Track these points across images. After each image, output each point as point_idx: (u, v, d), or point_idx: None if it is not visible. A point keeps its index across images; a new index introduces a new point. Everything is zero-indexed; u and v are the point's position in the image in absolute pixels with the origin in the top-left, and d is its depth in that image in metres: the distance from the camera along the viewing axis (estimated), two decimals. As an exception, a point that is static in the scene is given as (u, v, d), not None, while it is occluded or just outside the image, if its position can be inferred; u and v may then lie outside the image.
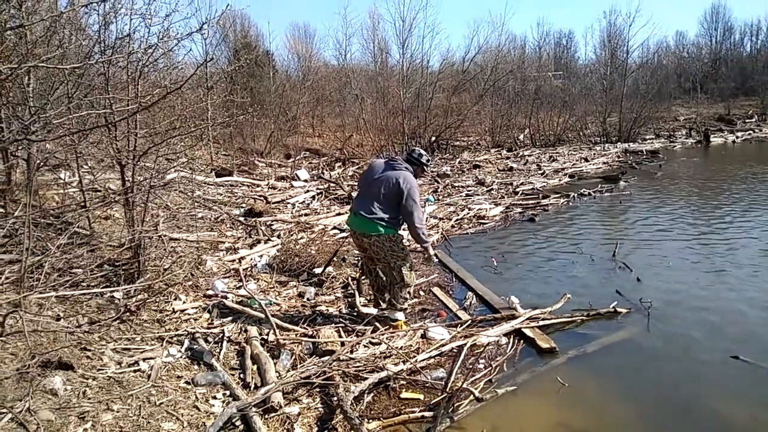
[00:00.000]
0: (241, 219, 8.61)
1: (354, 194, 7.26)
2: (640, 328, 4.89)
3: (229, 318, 4.88)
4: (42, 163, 5.06)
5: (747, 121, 29.90)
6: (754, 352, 4.32)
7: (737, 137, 23.95)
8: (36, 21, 4.19)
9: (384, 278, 4.92)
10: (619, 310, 5.15)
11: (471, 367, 4.10)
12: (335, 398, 3.52)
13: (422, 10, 39.02)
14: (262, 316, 4.62)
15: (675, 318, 5.13)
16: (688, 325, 4.99)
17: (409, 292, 4.85)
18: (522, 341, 4.62)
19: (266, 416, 3.41)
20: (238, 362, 4.18)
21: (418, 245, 4.93)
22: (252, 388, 3.75)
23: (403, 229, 4.85)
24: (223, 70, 14.52)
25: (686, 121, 29.16)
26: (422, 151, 4.96)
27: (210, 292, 5.43)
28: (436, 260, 5.20)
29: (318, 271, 6.06)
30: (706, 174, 14.69)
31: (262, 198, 10.44)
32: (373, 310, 5.02)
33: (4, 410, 2.92)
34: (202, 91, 11.92)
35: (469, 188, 12.26)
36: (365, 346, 4.39)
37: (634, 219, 9.41)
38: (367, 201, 4.64)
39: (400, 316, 4.82)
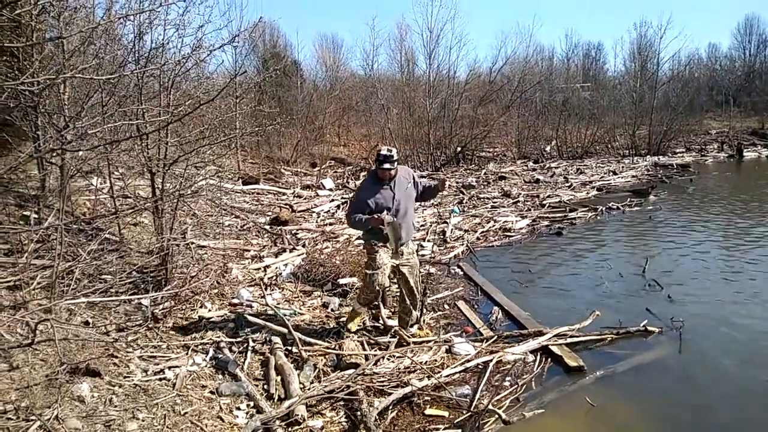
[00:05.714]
0: (267, 227, 8.66)
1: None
2: (671, 348, 4.75)
3: (254, 327, 4.88)
4: (76, 171, 5.16)
5: (781, 135, 29.16)
6: (792, 377, 4.16)
7: (771, 152, 23.38)
8: (74, 33, 4.26)
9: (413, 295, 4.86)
10: (650, 329, 5.01)
11: (497, 384, 4.03)
12: (359, 413, 3.49)
13: (450, 21, 38.29)
14: (285, 330, 4.59)
15: (707, 339, 4.98)
16: (721, 346, 4.84)
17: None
18: (549, 359, 4.52)
19: (290, 429, 3.39)
20: (262, 372, 4.17)
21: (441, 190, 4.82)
22: (276, 400, 3.74)
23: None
24: (251, 80, 14.68)
25: (718, 135, 28.52)
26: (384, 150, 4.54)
27: (235, 301, 5.45)
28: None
29: (343, 282, 6.05)
30: (740, 189, 14.33)
31: (287, 206, 10.50)
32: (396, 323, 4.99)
33: (33, 417, 2.95)
34: (231, 100, 12.05)
35: (495, 200, 12.17)
36: (389, 360, 4.35)
37: (664, 235, 9.21)
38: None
39: (415, 330, 4.93)
